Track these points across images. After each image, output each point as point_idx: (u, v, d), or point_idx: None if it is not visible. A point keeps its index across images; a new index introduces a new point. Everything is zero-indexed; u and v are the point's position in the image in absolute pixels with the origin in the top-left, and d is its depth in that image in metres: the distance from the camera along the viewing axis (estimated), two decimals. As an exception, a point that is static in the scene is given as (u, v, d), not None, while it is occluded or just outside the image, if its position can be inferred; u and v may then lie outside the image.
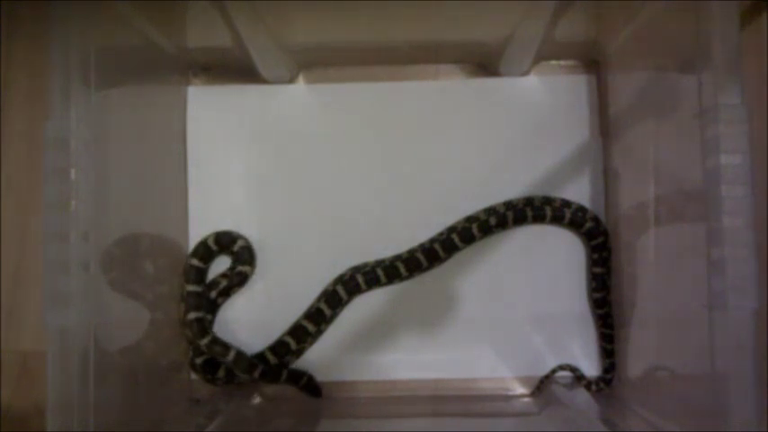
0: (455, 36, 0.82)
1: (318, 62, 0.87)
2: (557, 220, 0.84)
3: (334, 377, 0.85)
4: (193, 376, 0.84)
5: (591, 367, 0.84)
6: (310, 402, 0.84)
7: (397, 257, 0.84)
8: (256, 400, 0.83)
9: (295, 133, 0.87)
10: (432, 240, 0.85)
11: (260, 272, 0.86)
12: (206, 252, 0.84)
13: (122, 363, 0.67)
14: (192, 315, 0.81)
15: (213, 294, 0.83)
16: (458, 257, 0.85)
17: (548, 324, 0.84)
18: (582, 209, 0.85)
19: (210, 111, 0.87)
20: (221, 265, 0.86)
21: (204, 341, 0.80)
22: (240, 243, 0.84)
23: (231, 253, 0.85)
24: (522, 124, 0.87)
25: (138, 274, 0.73)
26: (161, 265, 0.80)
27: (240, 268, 0.84)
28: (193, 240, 0.85)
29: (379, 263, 0.85)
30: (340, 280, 0.84)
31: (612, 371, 0.83)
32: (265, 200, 0.87)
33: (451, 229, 0.84)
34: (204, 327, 0.81)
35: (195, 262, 0.83)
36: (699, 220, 0.58)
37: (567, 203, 0.85)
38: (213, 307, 0.84)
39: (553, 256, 0.85)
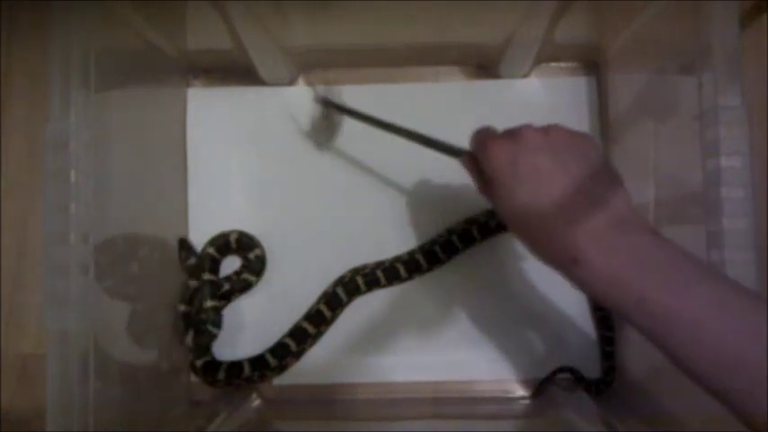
0: (455, 38, 0.82)
1: (318, 64, 0.87)
2: (557, 221, 0.84)
3: (334, 379, 0.84)
4: (193, 378, 0.84)
5: (591, 369, 0.83)
6: (310, 404, 0.83)
7: (397, 259, 0.84)
8: (256, 402, 0.83)
9: (295, 135, 0.87)
10: (432, 242, 0.84)
11: (260, 273, 0.86)
12: (224, 245, 0.84)
13: (122, 365, 0.67)
14: (209, 303, 0.81)
15: (214, 296, 0.84)
16: (458, 259, 0.85)
17: (548, 326, 0.84)
18: (582, 210, 0.84)
19: (210, 112, 0.87)
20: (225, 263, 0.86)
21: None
22: (257, 252, 0.84)
23: (245, 258, 0.85)
24: (522, 126, 0.86)
25: (138, 275, 0.73)
26: (161, 266, 0.79)
27: (246, 276, 0.84)
28: (193, 241, 0.85)
29: (379, 264, 0.85)
30: (340, 281, 0.84)
31: (613, 373, 0.82)
32: (265, 201, 0.87)
33: (451, 231, 0.84)
34: (221, 315, 0.82)
35: (212, 251, 0.83)
36: (699, 222, 0.58)
37: (567, 205, 0.85)
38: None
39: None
